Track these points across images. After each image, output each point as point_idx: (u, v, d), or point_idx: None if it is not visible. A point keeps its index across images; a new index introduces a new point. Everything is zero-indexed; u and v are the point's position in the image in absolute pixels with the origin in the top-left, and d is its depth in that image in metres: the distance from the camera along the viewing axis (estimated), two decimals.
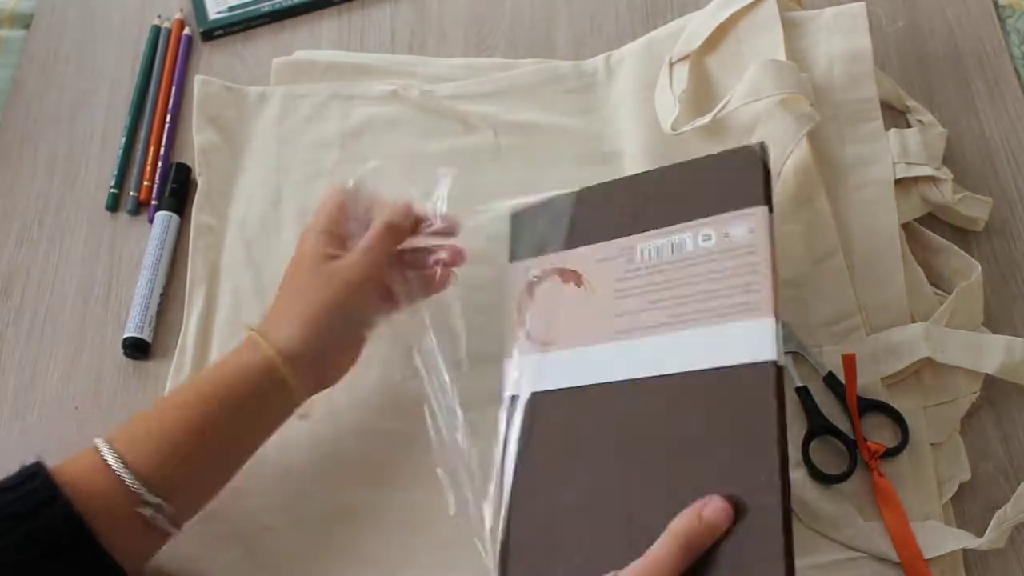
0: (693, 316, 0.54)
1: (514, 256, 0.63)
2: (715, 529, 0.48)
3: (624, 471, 0.53)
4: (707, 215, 0.56)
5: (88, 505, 0.50)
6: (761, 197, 0.55)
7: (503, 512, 0.56)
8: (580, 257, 0.60)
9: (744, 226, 0.54)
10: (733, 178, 0.56)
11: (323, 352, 0.57)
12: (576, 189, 0.62)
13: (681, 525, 0.49)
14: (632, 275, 0.57)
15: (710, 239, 0.55)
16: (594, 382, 0.56)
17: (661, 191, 0.59)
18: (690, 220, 0.56)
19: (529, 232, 0.63)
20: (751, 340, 0.52)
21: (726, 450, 0.51)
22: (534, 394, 0.58)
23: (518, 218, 0.64)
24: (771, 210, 0.55)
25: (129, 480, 0.51)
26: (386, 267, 0.59)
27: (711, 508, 0.49)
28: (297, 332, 0.56)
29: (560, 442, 0.56)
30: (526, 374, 0.59)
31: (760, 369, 0.51)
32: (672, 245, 0.56)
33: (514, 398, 0.59)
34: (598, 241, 0.60)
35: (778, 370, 0.51)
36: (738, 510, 0.49)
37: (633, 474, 0.53)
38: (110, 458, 0.51)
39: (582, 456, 0.55)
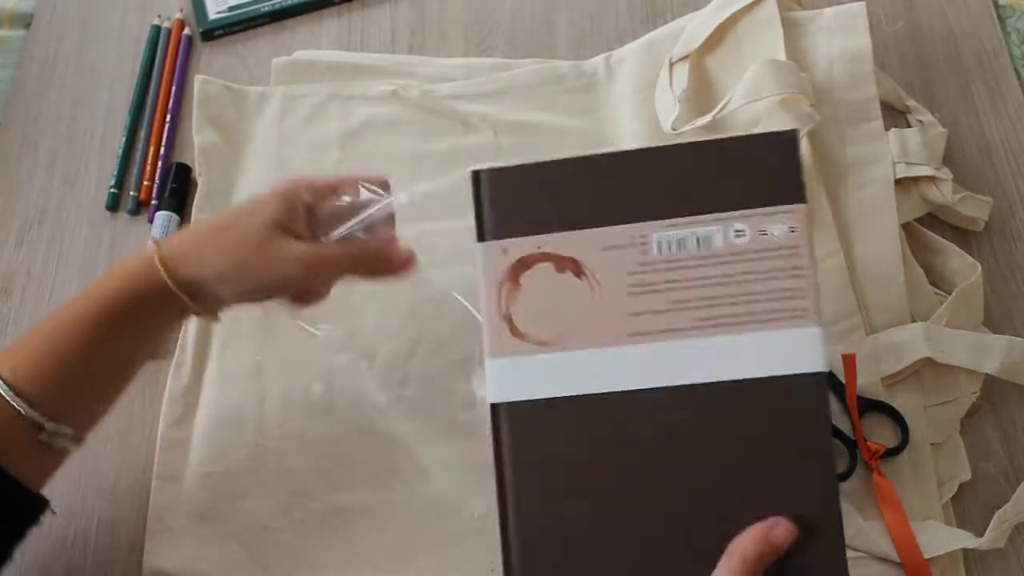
0: (728, 320, 0.49)
1: (486, 233, 0.52)
2: (781, 550, 0.47)
3: (661, 491, 0.49)
4: (739, 208, 0.50)
5: None
6: (803, 193, 0.50)
7: (508, 538, 0.51)
8: (579, 242, 0.51)
9: (784, 225, 0.50)
10: (769, 168, 0.51)
11: (204, 245, 0.56)
12: (571, 155, 0.53)
13: (751, 549, 0.47)
14: (646, 269, 0.51)
15: (743, 235, 0.50)
16: (610, 390, 0.50)
17: (682, 173, 0.52)
18: (719, 211, 0.50)
19: (504, 204, 0.53)
20: (800, 350, 0.49)
21: (780, 467, 0.48)
22: (531, 402, 0.51)
23: (486, 184, 0.53)
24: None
25: (14, 401, 0.52)
26: (300, 207, 0.58)
27: (780, 531, 0.47)
28: (181, 233, 0.57)
29: (574, 457, 0.50)
30: (517, 377, 0.51)
31: (811, 381, 0.49)
32: (697, 238, 0.50)
33: (501, 405, 0.51)
34: (603, 225, 0.51)
35: (826, 380, 0.49)
36: (800, 527, 0.47)
37: (673, 494, 0.49)
38: None
39: (606, 473, 0.50)
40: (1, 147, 0.78)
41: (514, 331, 0.52)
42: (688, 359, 0.50)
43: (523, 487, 0.50)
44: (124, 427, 0.66)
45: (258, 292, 0.57)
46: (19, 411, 0.52)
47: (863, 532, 0.59)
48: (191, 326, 0.68)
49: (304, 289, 0.58)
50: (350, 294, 0.69)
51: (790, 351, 0.49)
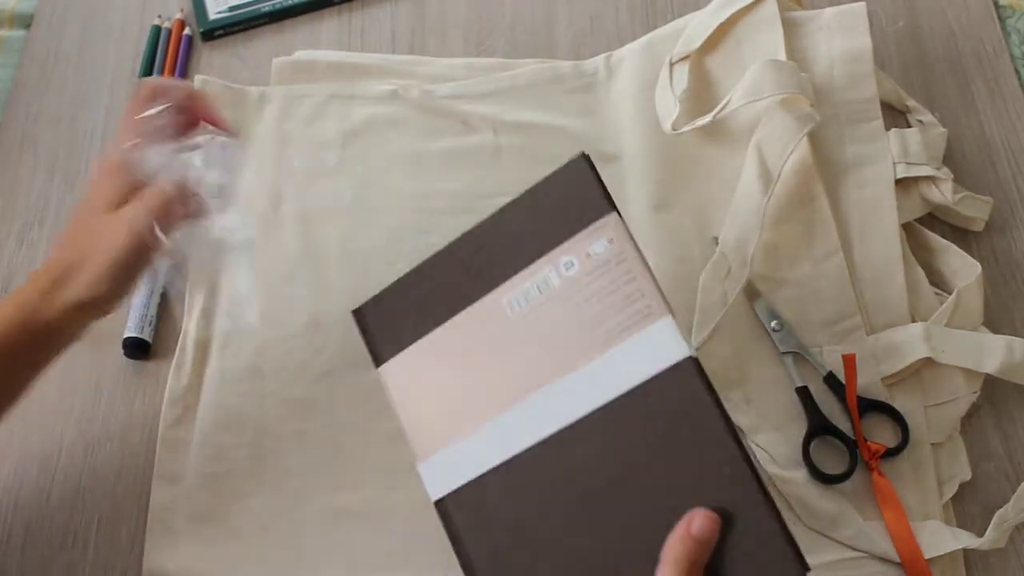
0: (589, 346, 0.52)
1: (379, 359, 0.57)
2: (709, 542, 0.47)
3: (590, 526, 0.51)
4: (560, 242, 0.53)
5: None
6: (606, 204, 0.53)
7: None
8: (447, 334, 0.55)
9: (602, 239, 0.52)
10: (569, 195, 0.54)
11: (122, 296, 0.56)
12: (420, 262, 0.57)
13: (676, 551, 0.47)
14: (508, 330, 0.54)
15: (573, 266, 0.53)
16: (518, 450, 0.52)
17: (501, 237, 0.55)
18: (544, 254, 0.53)
19: (384, 328, 0.58)
20: (658, 345, 0.50)
21: (681, 461, 0.49)
22: (464, 486, 0.54)
23: (366, 316, 0.58)
24: (618, 212, 0.53)
25: None
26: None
27: (698, 523, 0.47)
28: (98, 282, 0.55)
29: (509, 523, 0.53)
30: (444, 471, 0.54)
31: (680, 369, 0.50)
32: (537, 286, 0.53)
33: (443, 499, 0.54)
34: (458, 311, 0.55)
35: (695, 362, 0.50)
36: (722, 513, 0.48)
37: (601, 526, 0.51)
38: None
39: (539, 528, 0.52)
40: (1, 147, 0.78)
41: (429, 429, 0.55)
42: (572, 394, 0.52)
43: (480, 556, 0.53)
44: (124, 427, 0.66)
45: (125, 278, 0.56)
46: None
47: (863, 532, 0.59)
48: (191, 326, 0.68)
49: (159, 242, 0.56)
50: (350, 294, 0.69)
51: (652, 349, 0.50)
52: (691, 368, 0.50)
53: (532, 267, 0.54)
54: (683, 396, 0.50)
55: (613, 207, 0.53)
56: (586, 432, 0.51)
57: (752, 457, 0.48)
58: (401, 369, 0.56)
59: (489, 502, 0.53)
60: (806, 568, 0.47)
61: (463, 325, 0.55)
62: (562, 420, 0.52)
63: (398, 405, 0.56)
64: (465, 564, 0.53)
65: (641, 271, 0.51)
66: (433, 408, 0.56)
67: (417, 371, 0.56)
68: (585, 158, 0.54)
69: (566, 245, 0.53)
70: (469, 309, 0.55)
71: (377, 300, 0.58)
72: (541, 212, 0.55)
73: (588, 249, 0.52)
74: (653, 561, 0.48)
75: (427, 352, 0.56)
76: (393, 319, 0.58)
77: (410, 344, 0.56)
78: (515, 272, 0.54)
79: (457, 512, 0.54)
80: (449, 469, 0.54)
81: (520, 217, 0.55)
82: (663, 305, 0.51)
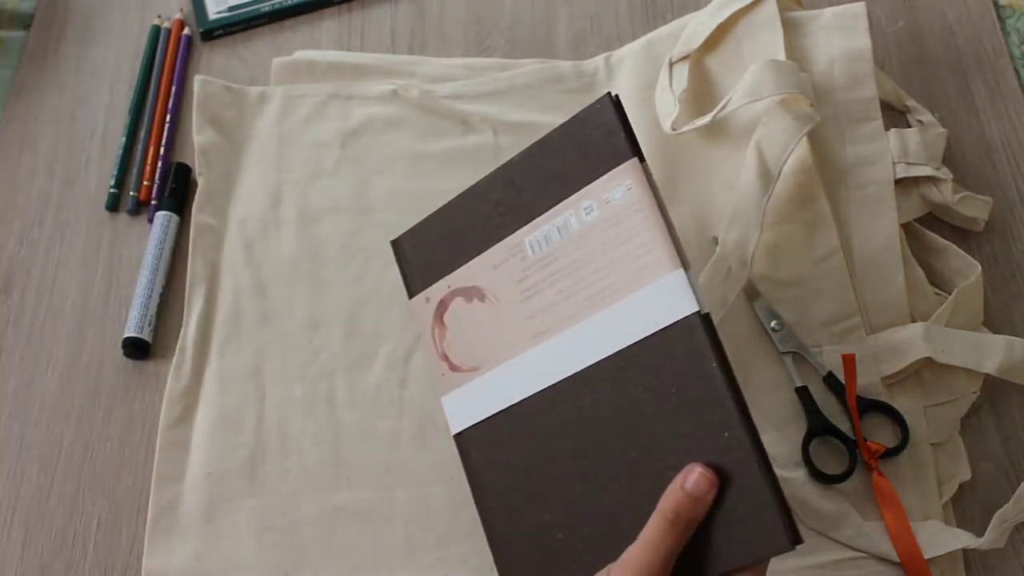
0: (603, 294, 0.52)
1: (412, 289, 0.60)
2: (701, 499, 0.47)
3: (591, 473, 0.51)
4: (581, 186, 0.53)
5: None
6: (627, 150, 0.52)
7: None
8: (474, 270, 0.57)
9: (621, 186, 0.52)
10: (593, 139, 0.53)
11: None
12: (454, 196, 0.59)
13: (666, 502, 0.47)
14: (528, 273, 0.54)
15: (592, 211, 0.52)
16: (529, 393, 0.54)
17: (528, 176, 0.56)
18: (566, 197, 0.53)
19: (417, 260, 0.60)
20: (667, 299, 0.50)
21: (682, 418, 0.49)
22: (480, 423, 0.55)
23: (402, 247, 0.61)
24: (642, 159, 0.52)
25: None
26: None
27: (692, 478, 0.47)
28: None
29: (518, 464, 0.54)
30: (463, 407, 0.56)
31: (686, 324, 0.49)
32: (558, 229, 0.53)
33: (461, 433, 0.56)
34: (485, 248, 0.56)
35: (704, 319, 0.49)
36: (719, 474, 0.47)
37: (601, 473, 0.51)
38: None
39: (545, 471, 0.53)
40: (1, 147, 0.78)
41: (452, 367, 0.57)
42: (584, 342, 0.52)
43: (490, 491, 0.55)
44: (124, 427, 0.66)
45: None
46: None
47: (863, 532, 0.59)
48: (191, 325, 0.68)
49: None
50: (350, 294, 0.69)
51: (661, 302, 0.50)
52: (698, 324, 0.49)
53: (555, 209, 0.54)
54: (688, 353, 0.49)
55: (635, 152, 0.52)
56: (593, 381, 0.52)
57: (756, 430, 0.47)
58: (428, 302, 0.58)
59: (501, 442, 0.55)
60: (797, 540, 0.46)
61: (487, 263, 0.56)
62: (571, 367, 0.52)
63: (425, 338, 0.58)
64: (477, 498, 0.55)
65: (656, 221, 0.50)
66: (455, 343, 0.57)
67: (444, 305, 0.57)
68: (612, 99, 0.53)
69: (587, 189, 0.53)
70: (494, 247, 0.56)
71: (414, 232, 0.60)
72: (566, 153, 0.54)
73: (607, 195, 0.52)
74: (651, 513, 0.47)
75: (454, 287, 0.57)
76: (427, 251, 0.59)
77: (440, 278, 0.58)
78: (537, 213, 0.54)
79: (472, 447, 0.56)
80: (468, 405, 0.56)
81: (549, 156, 0.55)
82: (675, 258, 0.50)
